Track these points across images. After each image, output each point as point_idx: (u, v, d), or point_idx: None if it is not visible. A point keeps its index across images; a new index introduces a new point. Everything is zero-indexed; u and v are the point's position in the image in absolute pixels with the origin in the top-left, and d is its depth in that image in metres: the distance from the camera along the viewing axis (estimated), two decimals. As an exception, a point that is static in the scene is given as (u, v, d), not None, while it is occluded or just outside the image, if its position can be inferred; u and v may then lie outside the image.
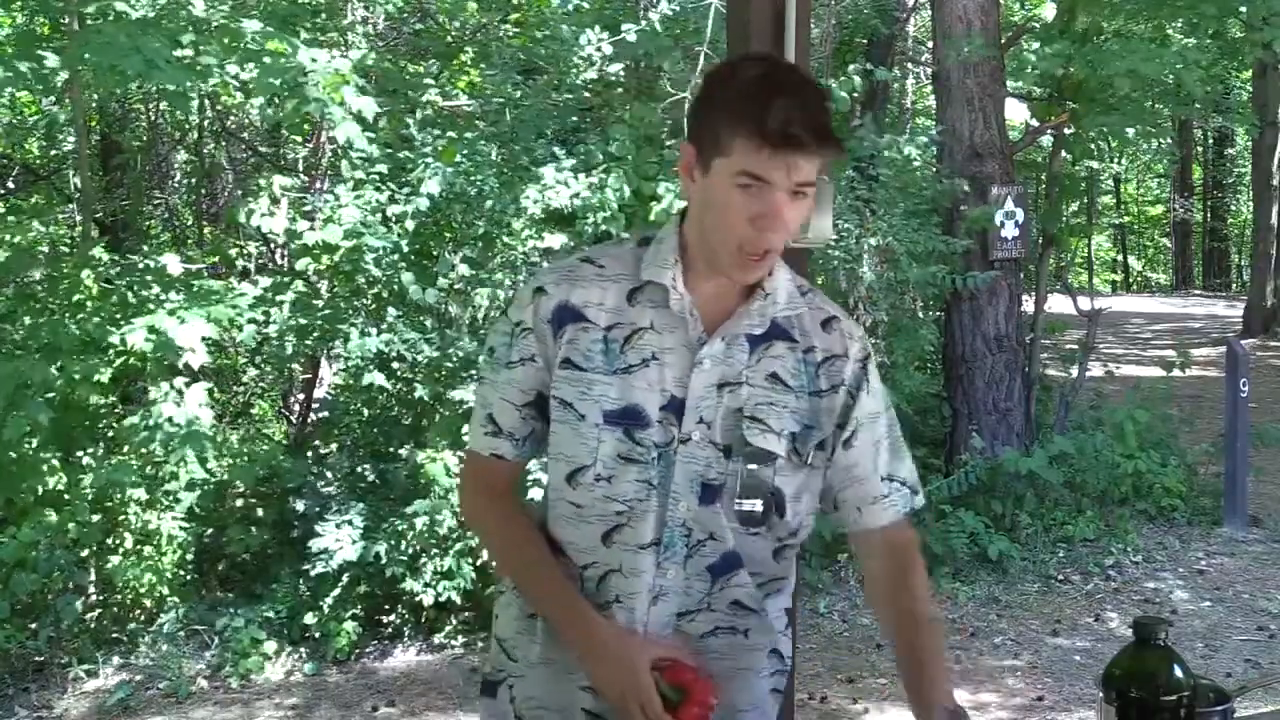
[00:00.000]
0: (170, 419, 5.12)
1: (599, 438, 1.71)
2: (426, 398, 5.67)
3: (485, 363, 1.83)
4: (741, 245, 1.65)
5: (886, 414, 1.84)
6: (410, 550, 5.15)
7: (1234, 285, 25.07)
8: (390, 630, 5.38)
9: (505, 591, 1.89)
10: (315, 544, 5.17)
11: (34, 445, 5.12)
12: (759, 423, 1.72)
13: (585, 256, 1.79)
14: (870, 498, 1.82)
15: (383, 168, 5.87)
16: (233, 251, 7.08)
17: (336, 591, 5.23)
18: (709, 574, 1.76)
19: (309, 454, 6.13)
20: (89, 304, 5.47)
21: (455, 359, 5.60)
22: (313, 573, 5.25)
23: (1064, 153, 8.07)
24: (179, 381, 5.23)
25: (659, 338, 1.72)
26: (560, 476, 1.75)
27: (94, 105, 7.67)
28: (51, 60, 5.29)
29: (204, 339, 5.13)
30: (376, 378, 5.56)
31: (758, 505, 1.73)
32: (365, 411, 6.03)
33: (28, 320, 5.35)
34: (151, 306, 5.27)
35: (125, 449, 5.35)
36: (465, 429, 1.91)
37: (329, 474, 5.98)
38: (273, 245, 7.03)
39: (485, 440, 1.80)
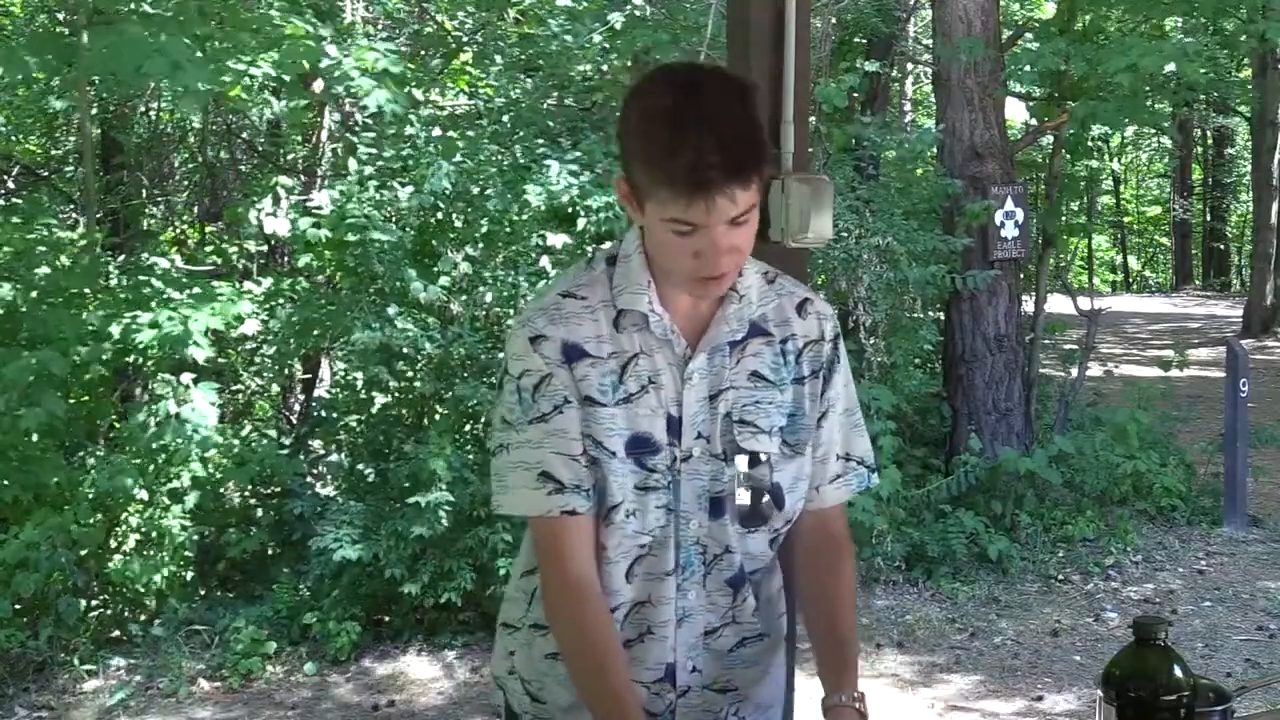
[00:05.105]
0: (176, 416, 5.13)
1: (624, 472, 1.67)
2: (428, 394, 5.68)
3: (506, 428, 1.70)
4: (691, 277, 1.62)
5: (846, 390, 1.81)
6: (410, 551, 5.15)
7: (1234, 285, 25.04)
8: (390, 631, 5.38)
9: (521, 629, 1.82)
10: (314, 545, 5.17)
11: (45, 439, 5.14)
12: (748, 425, 1.71)
13: (564, 291, 1.72)
14: (829, 476, 1.80)
15: (389, 154, 5.91)
16: (233, 251, 7.09)
17: (336, 592, 5.23)
18: (730, 588, 1.75)
19: (306, 454, 6.13)
20: (95, 299, 5.49)
21: (458, 356, 5.61)
22: (313, 573, 5.26)
23: (1064, 153, 8.07)
24: (184, 378, 5.25)
25: (650, 360, 1.69)
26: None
27: (94, 104, 7.67)
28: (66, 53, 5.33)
29: (206, 334, 5.15)
30: (381, 373, 5.58)
31: (760, 505, 1.72)
32: (365, 410, 6.03)
33: (35, 314, 5.36)
34: (155, 305, 5.29)
35: (128, 448, 5.35)
36: (497, 500, 1.74)
37: (328, 474, 5.98)
38: (273, 244, 7.04)
39: (548, 500, 1.66)
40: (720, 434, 1.70)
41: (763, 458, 1.71)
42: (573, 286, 1.72)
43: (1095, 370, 8.42)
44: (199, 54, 5.28)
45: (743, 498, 1.71)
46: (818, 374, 1.77)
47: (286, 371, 6.97)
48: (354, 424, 5.99)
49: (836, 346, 1.79)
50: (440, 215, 5.97)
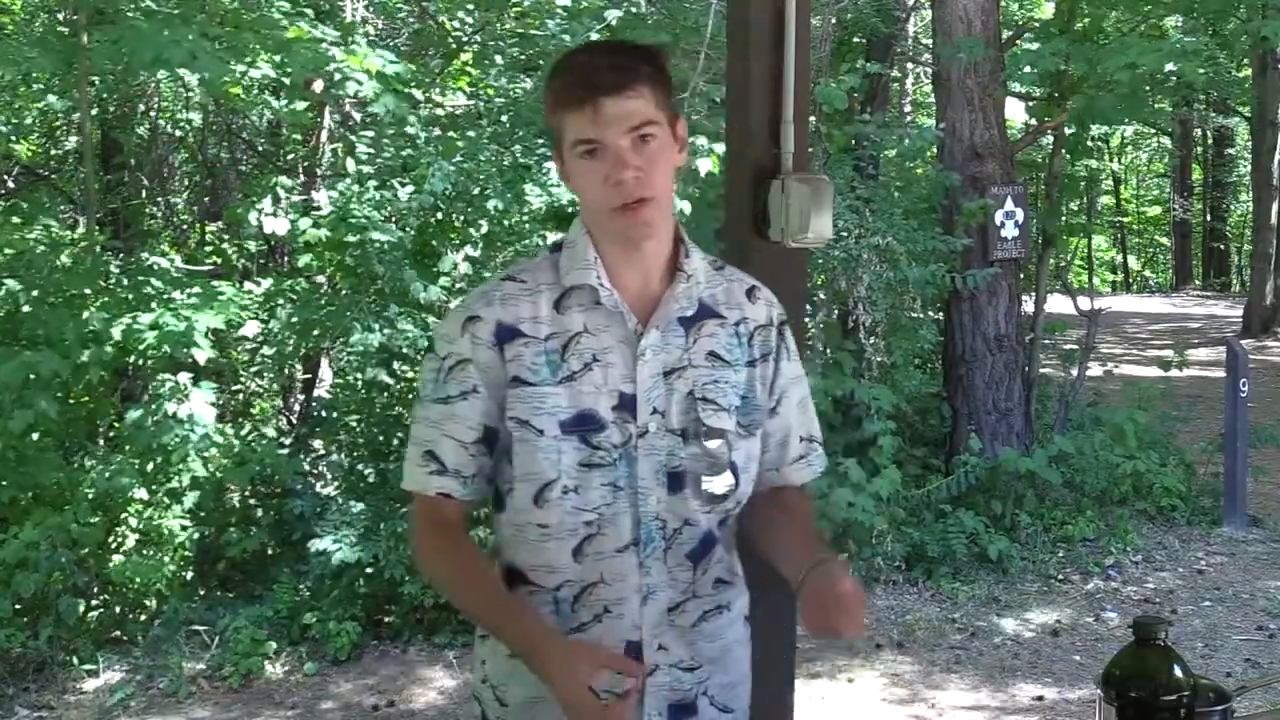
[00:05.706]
0: (174, 415, 5.14)
1: (559, 449, 1.71)
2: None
3: (416, 402, 1.81)
4: (610, 206, 1.69)
5: (801, 375, 1.90)
6: (410, 551, 5.14)
7: (1234, 285, 25.05)
8: (390, 631, 5.38)
9: (490, 634, 1.84)
10: (314, 545, 5.17)
11: (40, 439, 5.14)
12: (710, 403, 1.76)
13: (505, 275, 1.81)
14: (791, 458, 1.89)
15: (389, 154, 5.92)
16: (233, 251, 7.10)
17: (336, 592, 5.23)
18: (690, 561, 1.79)
19: (306, 454, 6.13)
20: (96, 300, 5.49)
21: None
22: (313, 573, 5.26)
23: (1064, 152, 8.08)
24: (183, 378, 5.25)
25: (594, 339, 1.73)
26: (528, 498, 1.73)
27: (94, 105, 7.68)
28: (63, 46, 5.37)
29: (207, 334, 5.16)
30: (379, 374, 5.58)
31: (723, 482, 1.77)
32: (365, 410, 6.04)
33: (32, 311, 5.36)
34: (155, 306, 5.30)
35: (127, 448, 5.35)
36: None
37: (328, 474, 5.98)
38: (273, 244, 7.05)
39: (427, 479, 1.75)
40: (683, 411, 1.75)
41: (722, 435, 1.76)
42: (515, 271, 1.81)
43: (1095, 370, 8.43)
44: (205, 51, 5.33)
45: (710, 474, 1.76)
46: (767, 358, 1.84)
47: (286, 371, 6.98)
48: (354, 424, 5.99)
49: (783, 333, 1.87)
50: (440, 215, 5.97)
